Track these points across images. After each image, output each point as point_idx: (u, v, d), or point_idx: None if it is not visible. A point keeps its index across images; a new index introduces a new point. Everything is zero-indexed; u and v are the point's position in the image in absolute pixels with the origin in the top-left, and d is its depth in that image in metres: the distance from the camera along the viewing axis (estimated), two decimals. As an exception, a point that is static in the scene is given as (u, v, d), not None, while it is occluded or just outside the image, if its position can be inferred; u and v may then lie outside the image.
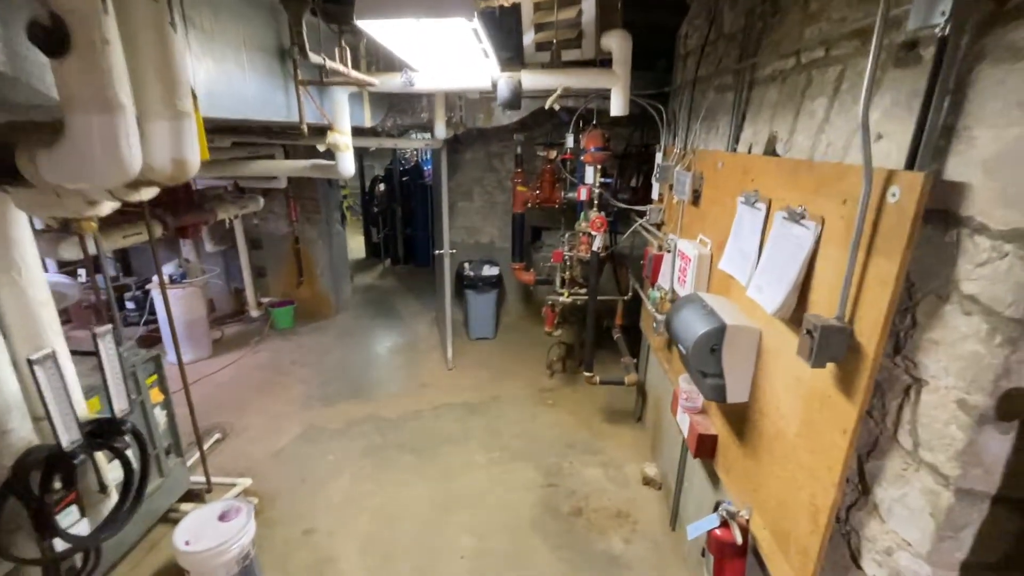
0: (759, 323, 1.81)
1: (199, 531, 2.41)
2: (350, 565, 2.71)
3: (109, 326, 1.47)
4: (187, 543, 2.34)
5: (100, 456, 1.58)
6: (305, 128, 2.11)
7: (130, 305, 5.30)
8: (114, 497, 1.60)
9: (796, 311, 1.51)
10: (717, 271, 2.22)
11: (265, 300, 5.90)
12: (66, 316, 4.54)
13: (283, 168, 2.69)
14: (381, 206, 8.45)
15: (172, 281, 4.73)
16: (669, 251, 2.75)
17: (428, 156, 9.14)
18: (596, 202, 3.49)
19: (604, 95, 3.22)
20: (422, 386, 4.62)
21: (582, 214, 3.77)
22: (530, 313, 6.08)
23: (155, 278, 4.76)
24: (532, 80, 2.80)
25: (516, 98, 2.72)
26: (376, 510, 3.09)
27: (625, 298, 4.03)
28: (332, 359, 5.10)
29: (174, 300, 4.77)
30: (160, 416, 2.66)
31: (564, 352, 4.80)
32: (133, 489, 1.58)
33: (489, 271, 5.39)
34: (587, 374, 3.73)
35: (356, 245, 9.16)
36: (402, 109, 4.20)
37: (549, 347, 4.84)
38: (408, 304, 6.70)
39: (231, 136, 2.86)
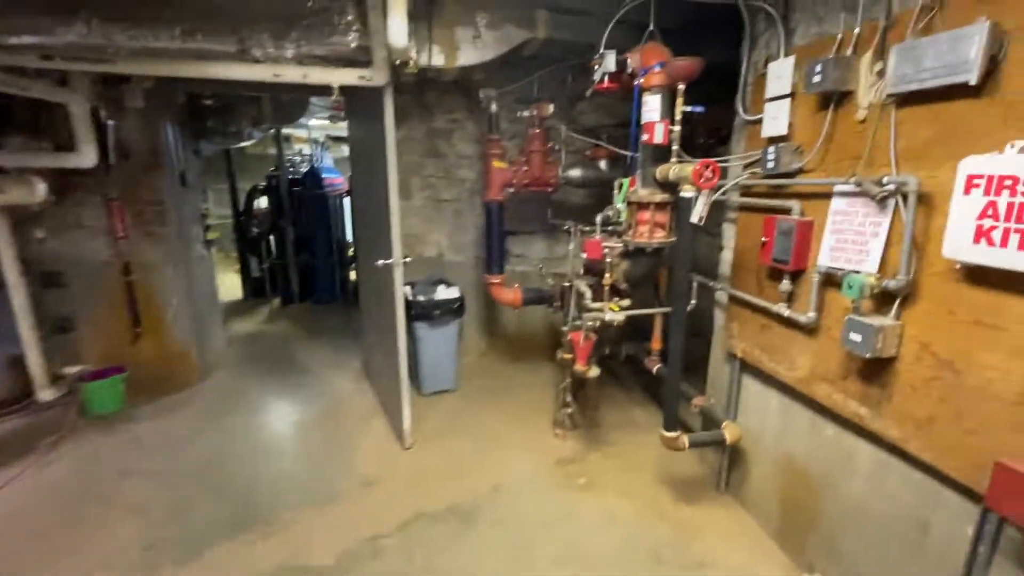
0: None
1: None
2: None
3: None
4: None
5: None
6: None
7: None
8: None
9: None
10: None
11: (72, 370, 3.56)
12: None
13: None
14: (263, 227, 6.34)
15: None
16: (883, 196, 1.48)
17: (322, 161, 7.21)
18: (675, 148, 2.12)
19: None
20: (367, 485, 2.78)
21: (626, 181, 2.39)
22: (493, 347, 4.49)
23: None
24: None
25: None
26: None
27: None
28: (196, 458, 3.01)
29: None
30: None
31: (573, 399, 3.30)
32: None
33: (446, 294, 3.74)
34: (668, 434, 2.27)
35: (230, 284, 6.81)
36: (310, 24, 2.52)
37: (556, 393, 3.32)
38: (316, 353, 4.70)
39: None
